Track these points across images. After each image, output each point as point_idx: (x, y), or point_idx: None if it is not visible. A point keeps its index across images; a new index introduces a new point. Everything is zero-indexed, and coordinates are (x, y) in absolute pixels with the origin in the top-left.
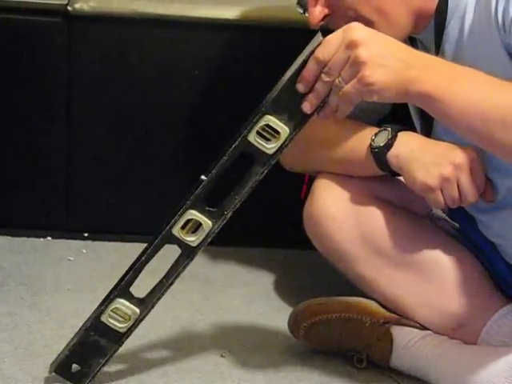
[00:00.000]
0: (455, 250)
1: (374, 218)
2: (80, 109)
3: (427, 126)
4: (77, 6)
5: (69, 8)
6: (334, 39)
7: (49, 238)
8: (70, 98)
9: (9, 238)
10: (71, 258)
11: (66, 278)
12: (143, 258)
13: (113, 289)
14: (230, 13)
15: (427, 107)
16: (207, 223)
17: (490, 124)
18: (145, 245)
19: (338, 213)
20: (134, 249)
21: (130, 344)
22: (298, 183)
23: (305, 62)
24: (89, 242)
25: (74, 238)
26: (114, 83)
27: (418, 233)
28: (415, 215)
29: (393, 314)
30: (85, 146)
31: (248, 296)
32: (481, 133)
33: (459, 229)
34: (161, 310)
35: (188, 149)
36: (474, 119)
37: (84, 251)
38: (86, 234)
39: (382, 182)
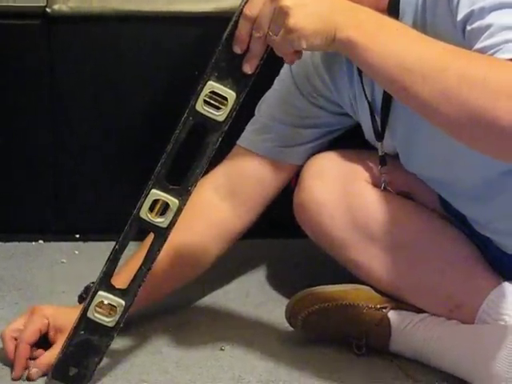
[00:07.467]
0: (447, 230)
1: (365, 202)
2: (64, 110)
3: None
4: (55, 7)
5: (48, 9)
6: None
7: (40, 242)
8: (54, 99)
9: (0, 243)
10: (64, 261)
11: (59, 281)
12: (117, 247)
13: (94, 283)
14: (209, 6)
15: (351, 55)
16: (173, 202)
17: (410, 75)
18: (136, 243)
19: (328, 200)
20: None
21: (128, 342)
22: None
23: (236, 23)
24: (81, 243)
25: (66, 240)
26: (97, 82)
27: (410, 215)
28: (405, 198)
29: (389, 299)
30: (71, 146)
31: (243, 288)
32: (399, 84)
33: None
34: (156, 307)
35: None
36: (394, 68)
37: (76, 252)
38: (77, 236)
39: (371, 166)
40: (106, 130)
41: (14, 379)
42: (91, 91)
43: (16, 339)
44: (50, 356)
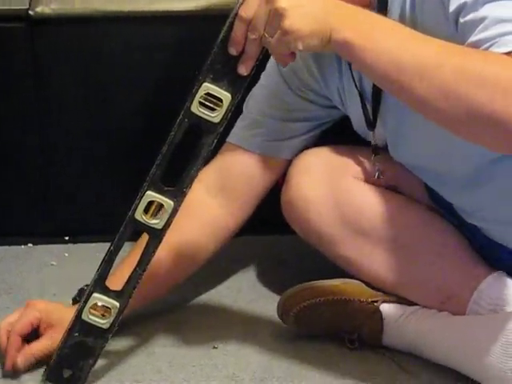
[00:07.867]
0: (436, 222)
1: (353, 198)
2: (51, 111)
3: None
4: (38, 9)
5: (30, 12)
6: None
7: (30, 245)
8: (40, 101)
9: None
10: (54, 263)
11: (50, 284)
12: (112, 249)
13: (88, 285)
14: (190, 4)
15: (348, 56)
16: (168, 203)
17: (406, 73)
18: (127, 243)
19: (315, 196)
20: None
21: (121, 343)
22: None
23: (231, 24)
24: (70, 245)
25: (55, 243)
26: (82, 83)
27: (399, 209)
28: (393, 192)
29: (380, 292)
30: (59, 148)
31: (234, 285)
32: (397, 82)
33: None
34: (148, 307)
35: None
36: (391, 67)
37: (66, 255)
38: (66, 238)
39: (359, 161)
40: (93, 131)
41: (6, 370)
42: (77, 92)
43: None
44: (36, 346)
